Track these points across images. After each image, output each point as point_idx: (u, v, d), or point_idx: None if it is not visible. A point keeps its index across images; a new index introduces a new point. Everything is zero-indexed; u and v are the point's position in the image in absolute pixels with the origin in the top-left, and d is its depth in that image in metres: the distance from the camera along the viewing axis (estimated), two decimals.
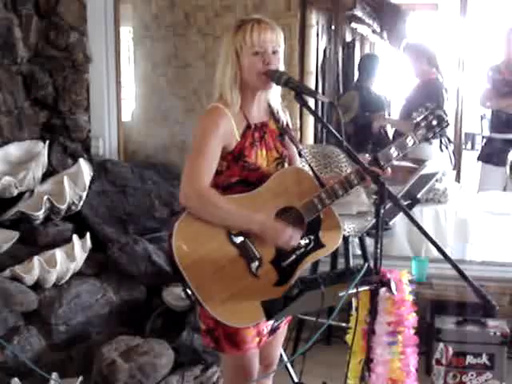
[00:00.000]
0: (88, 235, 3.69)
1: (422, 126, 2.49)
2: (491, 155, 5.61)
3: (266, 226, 2.33)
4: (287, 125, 2.55)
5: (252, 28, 2.34)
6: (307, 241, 2.43)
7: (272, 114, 2.51)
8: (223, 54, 2.39)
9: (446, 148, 5.09)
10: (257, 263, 2.35)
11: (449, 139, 5.25)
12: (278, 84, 2.36)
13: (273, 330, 2.59)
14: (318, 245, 2.45)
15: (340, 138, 2.31)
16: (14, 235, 3.58)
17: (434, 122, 2.51)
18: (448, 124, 2.54)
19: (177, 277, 2.32)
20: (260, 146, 2.43)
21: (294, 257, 2.40)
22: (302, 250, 2.42)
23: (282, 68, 2.39)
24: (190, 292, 2.31)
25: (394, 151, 2.45)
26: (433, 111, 2.51)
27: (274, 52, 2.36)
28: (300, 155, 2.55)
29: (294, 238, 2.36)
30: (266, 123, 2.48)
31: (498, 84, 5.47)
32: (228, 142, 2.36)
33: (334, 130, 2.33)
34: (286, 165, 2.53)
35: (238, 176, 2.39)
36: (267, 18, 2.40)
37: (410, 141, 2.48)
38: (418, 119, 2.50)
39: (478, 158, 5.80)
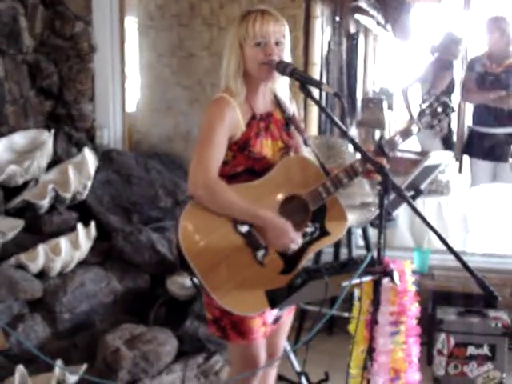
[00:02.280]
0: (93, 224, 3.70)
1: (427, 113, 2.51)
2: (477, 149, 5.39)
3: (269, 224, 2.34)
4: (293, 115, 2.55)
5: (255, 19, 2.34)
6: (313, 229, 2.43)
7: (278, 104, 2.51)
8: (228, 45, 2.41)
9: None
10: (263, 252, 2.36)
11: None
12: (283, 74, 2.37)
13: (275, 320, 2.60)
14: (324, 233, 2.45)
15: (344, 129, 2.32)
16: (19, 223, 3.58)
17: (439, 109, 2.52)
18: (453, 110, 2.55)
19: (184, 266, 2.33)
20: (265, 135, 2.44)
21: None
22: (308, 238, 2.43)
23: (288, 59, 2.40)
24: (196, 281, 2.33)
25: (398, 138, 2.48)
26: (438, 98, 2.52)
27: (277, 43, 2.36)
28: (306, 144, 2.54)
29: (295, 242, 2.36)
30: (271, 113, 2.49)
31: (480, 76, 5.29)
32: (234, 132, 2.38)
33: (338, 121, 2.35)
34: (292, 154, 2.53)
35: (243, 165, 2.40)
36: (272, 9, 2.41)
37: (414, 127, 2.50)
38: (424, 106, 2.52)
39: (462, 151, 5.64)
